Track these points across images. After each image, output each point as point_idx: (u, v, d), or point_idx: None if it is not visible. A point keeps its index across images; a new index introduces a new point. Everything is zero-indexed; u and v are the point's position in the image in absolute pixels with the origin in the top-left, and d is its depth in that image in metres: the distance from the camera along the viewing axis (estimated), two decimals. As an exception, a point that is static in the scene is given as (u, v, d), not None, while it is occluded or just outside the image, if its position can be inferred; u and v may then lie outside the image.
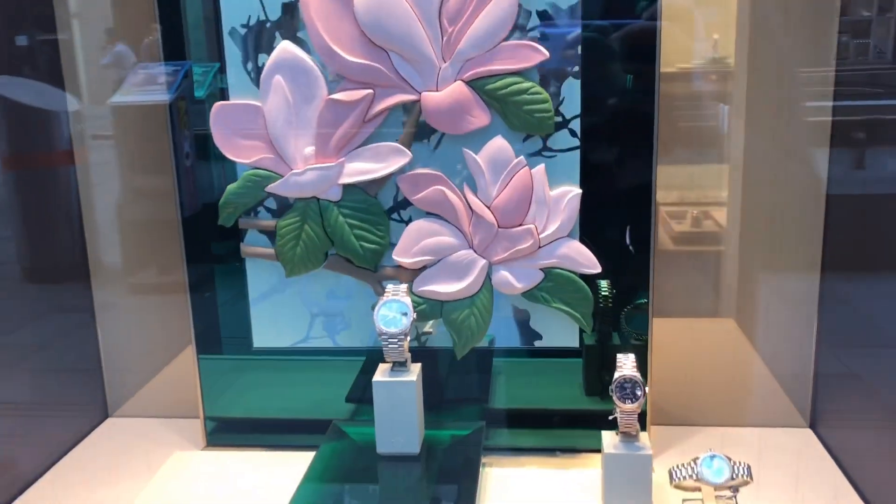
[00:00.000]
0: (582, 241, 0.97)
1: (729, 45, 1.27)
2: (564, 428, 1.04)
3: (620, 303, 1.00)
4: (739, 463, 0.77)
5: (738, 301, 1.37)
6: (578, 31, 0.92)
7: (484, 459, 1.00)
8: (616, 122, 0.96)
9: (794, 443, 1.06)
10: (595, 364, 1.02)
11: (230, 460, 1.03)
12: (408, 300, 0.92)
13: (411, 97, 0.93)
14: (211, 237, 1.02)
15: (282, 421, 1.06)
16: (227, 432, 1.07)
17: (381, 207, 0.98)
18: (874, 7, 1.04)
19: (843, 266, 1.06)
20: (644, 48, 0.92)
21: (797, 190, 1.12)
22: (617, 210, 0.98)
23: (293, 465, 0.96)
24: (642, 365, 0.99)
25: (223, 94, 0.98)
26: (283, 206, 0.99)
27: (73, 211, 1.16)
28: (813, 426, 1.10)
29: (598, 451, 0.90)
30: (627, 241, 0.97)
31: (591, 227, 0.97)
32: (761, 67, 1.20)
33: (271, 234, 1.00)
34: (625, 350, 0.97)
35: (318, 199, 0.98)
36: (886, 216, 1.00)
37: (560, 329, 1.00)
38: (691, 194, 1.41)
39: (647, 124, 0.93)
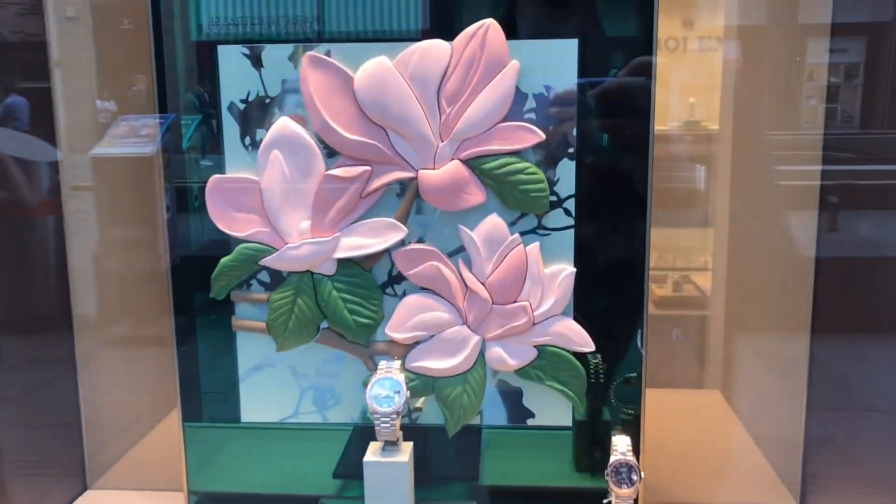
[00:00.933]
0: (575, 318, 0.97)
1: (713, 108, 1.30)
2: None
3: (610, 376, 0.99)
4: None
5: (723, 371, 1.38)
6: (574, 112, 0.94)
7: None
8: (610, 199, 0.97)
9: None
10: (586, 440, 1.01)
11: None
12: (401, 377, 0.91)
13: (408, 174, 0.94)
14: (198, 291, 1.01)
15: (268, 497, 1.04)
16: (210, 507, 1.05)
17: (375, 282, 0.97)
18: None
19: (834, 330, 1.06)
20: (636, 106, 0.92)
21: (783, 253, 1.13)
22: (609, 285, 0.98)
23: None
24: (634, 440, 0.98)
25: (206, 146, 0.97)
26: (277, 280, 0.99)
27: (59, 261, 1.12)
28: (803, 499, 1.09)
29: None
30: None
31: (584, 304, 0.97)
32: (745, 130, 1.23)
33: (263, 307, 0.99)
34: (618, 430, 0.97)
35: (312, 273, 0.97)
36: (875, 279, 1.01)
37: (553, 406, 1.00)
38: (673, 258, 1.42)
39: (640, 193, 0.94)
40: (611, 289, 0.98)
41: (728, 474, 1.16)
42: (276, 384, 1.01)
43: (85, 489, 1.15)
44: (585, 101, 0.93)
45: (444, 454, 1.03)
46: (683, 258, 1.41)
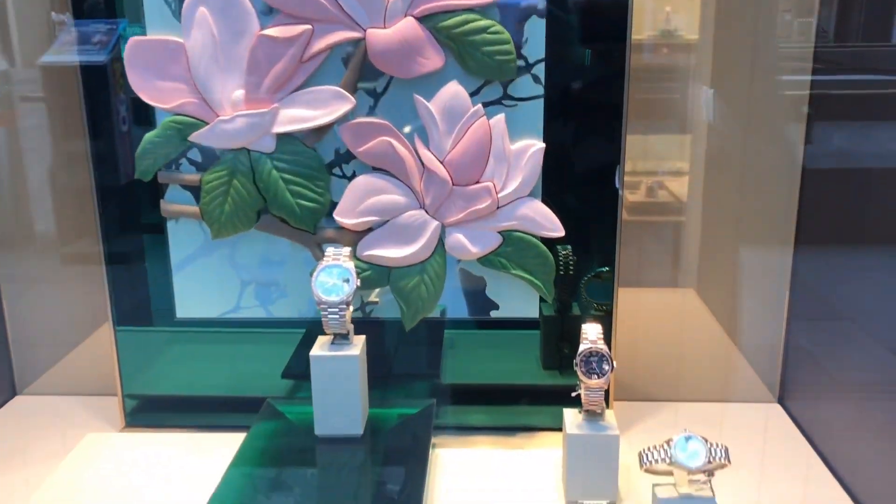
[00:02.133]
0: (543, 201, 0.88)
1: (693, 16, 1.21)
2: (521, 404, 0.96)
3: (581, 271, 0.91)
4: (716, 445, 0.70)
5: (699, 272, 1.32)
6: (544, -37, 0.82)
7: (434, 440, 0.92)
8: (585, 68, 0.86)
9: (762, 418, 1.00)
10: (553, 336, 0.94)
11: (151, 442, 0.92)
12: (350, 265, 0.82)
13: (355, 34, 0.83)
14: (133, 201, 0.90)
15: (210, 399, 0.96)
16: (148, 411, 0.97)
17: (321, 161, 0.87)
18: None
19: (818, 240, 1.00)
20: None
21: (769, 163, 1.06)
22: (583, 168, 0.89)
23: (221, 447, 0.86)
24: (605, 337, 0.91)
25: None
26: (210, 159, 0.88)
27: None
28: (781, 400, 1.04)
29: (558, 429, 0.82)
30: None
31: (553, 185, 0.88)
32: (729, 39, 1.14)
33: (196, 191, 0.89)
34: (589, 318, 0.89)
35: (249, 151, 0.86)
36: (863, 190, 0.94)
37: (518, 298, 0.92)
38: (650, 164, 1.35)
39: (619, 75, 0.84)
40: (584, 169, 0.89)
41: (707, 372, 1.10)
42: (213, 277, 0.92)
43: (14, 395, 1.06)
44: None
45: (403, 350, 0.95)
46: (659, 164, 1.34)
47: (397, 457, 0.83)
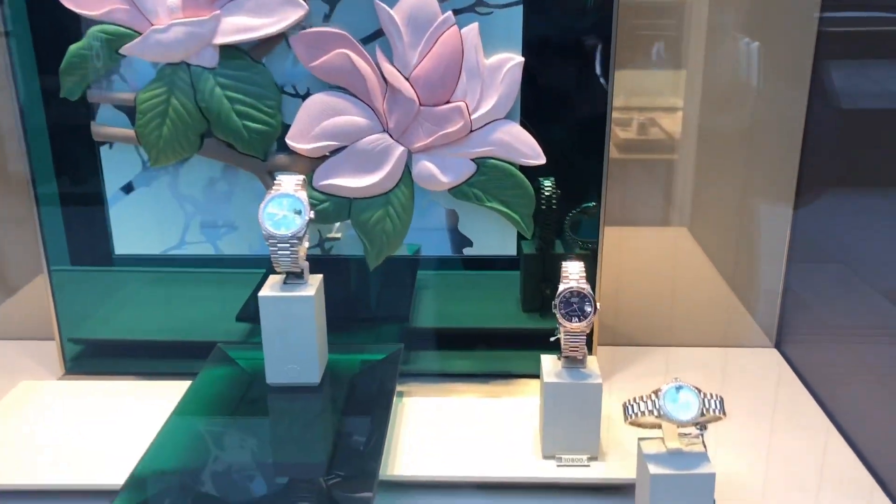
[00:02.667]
0: (522, 124, 0.78)
1: None
2: (498, 349, 0.89)
3: (565, 206, 0.83)
4: (710, 396, 0.62)
5: (693, 210, 1.24)
6: None
7: (402, 387, 0.85)
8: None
9: (759, 363, 0.93)
10: (534, 276, 0.86)
11: (89, 390, 0.84)
12: (303, 195, 0.72)
13: (305, -73, 0.72)
14: (61, 126, 0.80)
15: (158, 344, 0.88)
16: (91, 357, 0.89)
17: (271, 77, 0.77)
18: None
19: (822, 182, 0.92)
20: None
21: (771, 102, 0.97)
22: (567, 88, 0.79)
23: (166, 396, 0.78)
24: (590, 278, 0.83)
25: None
26: (144, 74, 0.77)
27: None
28: (779, 346, 0.97)
29: (537, 376, 0.75)
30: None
31: (534, 106, 0.78)
32: None
33: (131, 112, 0.79)
34: (571, 256, 0.81)
35: (189, 65, 0.76)
36: (870, 131, 0.86)
37: (494, 234, 0.83)
38: (642, 100, 1.26)
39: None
40: (568, 88, 0.79)
41: (700, 316, 1.03)
42: (153, 209, 0.83)
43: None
44: None
45: (368, 292, 0.87)
46: (651, 101, 1.25)
47: (358, 407, 0.75)
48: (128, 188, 0.82)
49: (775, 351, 0.96)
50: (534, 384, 0.84)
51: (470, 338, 0.89)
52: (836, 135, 0.91)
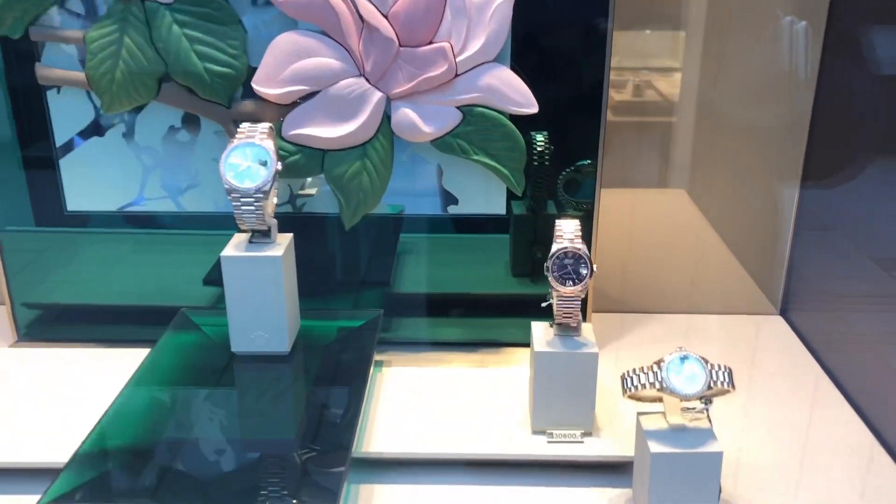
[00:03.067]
0: (513, 69, 0.71)
1: None
2: (485, 317, 0.83)
3: (558, 164, 0.77)
4: (718, 367, 0.56)
5: (692, 172, 1.18)
6: None
7: (382, 357, 0.79)
8: None
9: (764, 331, 0.87)
10: (525, 238, 0.80)
11: (42, 357, 0.78)
12: (269, 144, 0.65)
13: None
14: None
15: (119, 309, 0.81)
16: (46, 323, 0.82)
17: (234, 13, 0.70)
18: None
19: (832, 145, 0.86)
20: None
21: (779, 65, 0.90)
22: (563, 28, 0.72)
23: (126, 363, 0.72)
24: (585, 241, 0.77)
25: None
26: (93, 10, 0.70)
27: None
28: (784, 312, 0.91)
29: (527, 345, 0.69)
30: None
31: (525, 49, 0.71)
32: None
33: (81, 53, 0.71)
34: (565, 215, 0.74)
35: (142, 0, 0.68)
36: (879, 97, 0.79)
37: (482, 191, 0.77)
38: (638, 61, 1.20)
39: None
40: (565, 29, 0.72)
41: (701, 282, 0.96)
42: (108, 162, 0.76)
43: None
44: None
45: (345, 253, 0.80)
46: (646, 62, 1.19)
47: (332, 377, 0.69)
48: (80, 139, 0.74)
49: (781, 318, 0.90)
50: (523, 353, 0.79)
51: (456, 304, 0.83)
52: (848, 99, 0.85)
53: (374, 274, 0.82)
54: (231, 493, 0.56)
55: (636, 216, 1.08)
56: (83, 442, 0.60)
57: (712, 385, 0.56)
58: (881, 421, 0.70)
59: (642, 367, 0.57)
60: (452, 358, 0.80)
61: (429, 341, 0.82)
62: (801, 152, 0.88)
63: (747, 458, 0.65)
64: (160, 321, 0.76)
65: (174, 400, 0.66)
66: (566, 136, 0.76)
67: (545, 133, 0.75)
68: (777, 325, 0.89)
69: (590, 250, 0.78)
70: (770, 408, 0.72)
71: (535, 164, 0.76)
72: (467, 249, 0.83)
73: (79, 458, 0.58)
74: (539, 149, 0.76)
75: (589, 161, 0.78)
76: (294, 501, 0.55)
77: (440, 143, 0.73)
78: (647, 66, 1.19)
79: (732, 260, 1.00)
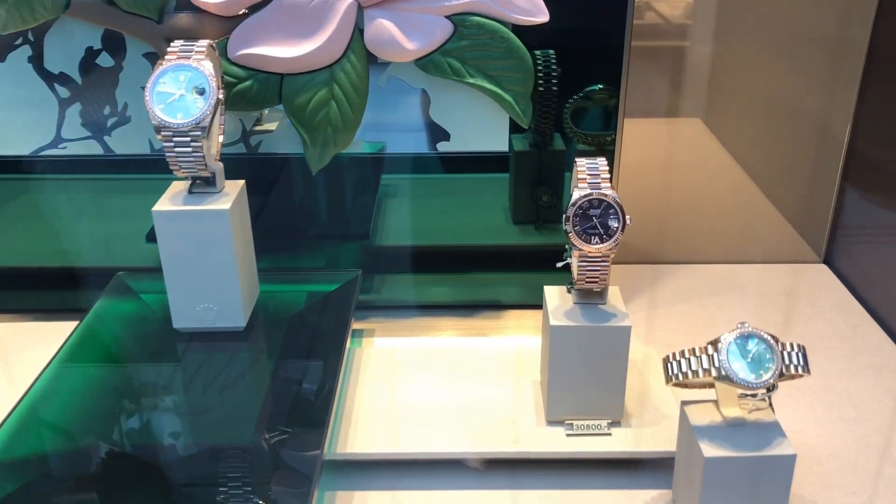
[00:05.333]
0: (517, -32, 0.57)
1: None
2: (482, 272, 0.71)
3: (566, 88, 0.64)
4: (791, 347, 0.44)
5: (708, 101, 1.06)
6: None
7: (360, 324, 0.68)
8: None
9: (808, 281, 0.75)
10: (527, 178, 0.68)
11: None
12: (207, 66, 0.52)
13: None
14: None
15: (44, 271, 0.70)
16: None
17: None
18: None
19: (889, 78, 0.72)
20: None
21: None
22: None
23: (51, 338, 0.60)
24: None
25: None
26: None
27: None
28: (829, 261, 0.79)
29: (533, 306, 0.61)
30: None
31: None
32: None
33: (-36, -47, 0.56)
34: (584, 152, 0.62)
35: None
36: None
37: (478, 123, 0.65)
38: None
39: None
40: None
41: (731, 225, 0.85)
42: (14, 94, 0.61)
43: None
44: None
45: (314, 201, 0.67)
46: None
47: (298, 358, 0.57)
48: (-28, 64, 0.60)
49: (825, 267, 0.78)
50: (529, 317, 0.67)
51: (447, 258, 0.71)
52: None
53: (350, 225, 0.69)
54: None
55: (651, 151, 0.95)
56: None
57: (784, 371, 0.43)
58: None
59: (693, 350, 0.45)
60: (444, 324, 0.69)
61: (416, 304, 0.71)
62: (857, 73, 0.74)
63: (808, 444, 0.54)
64: (93, 285, 0.65)
65: (106, 388, 0.54)
66: (576, 55, 0.63)
67: (551, 51, 0.61)
68: (821, 275, 0.77)
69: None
70: (826, 377, 0.60)
71: (541, 88, 0.63)
72: (459, 192, 0.71)
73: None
74: (543, 69, 0.63)
75: (601, 86, 0.65)
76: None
77: (427, 63, 0.60)
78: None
79: (764, 202, 0.88)
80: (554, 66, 0.64)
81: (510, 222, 0.70)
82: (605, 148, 0.68)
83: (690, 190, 0.90)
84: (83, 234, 0.68)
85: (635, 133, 0.90)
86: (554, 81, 0.65)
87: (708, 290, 0.73)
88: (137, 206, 0.69)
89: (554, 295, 0.54)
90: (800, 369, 0.44)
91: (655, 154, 0.96)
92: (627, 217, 0.49)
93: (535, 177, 0.69)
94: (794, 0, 0.84)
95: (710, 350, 0.44)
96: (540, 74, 0.63)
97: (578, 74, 0.65)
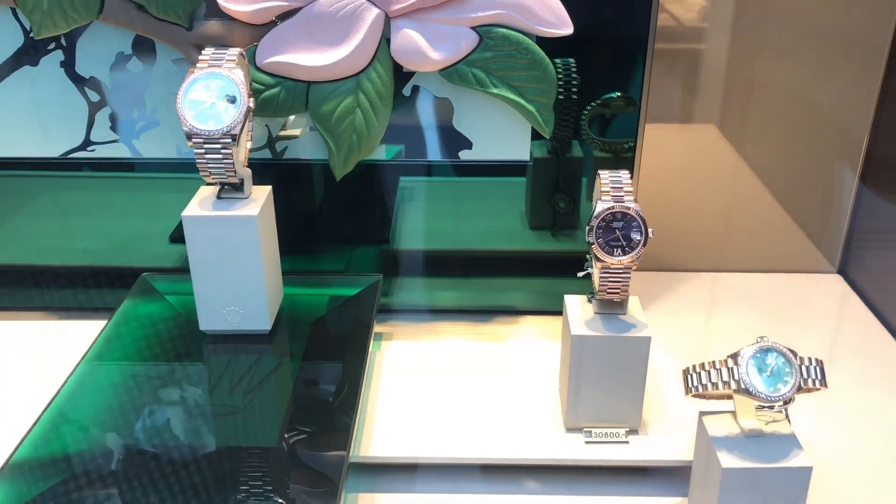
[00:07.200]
0: (542, -19, 0.58)
1: None
2: (499, 277, 0.72)
3: (586, 95, 0.65)
4: (808, 361, 0.45)
5: (723, 107, 1.05)
6: None
7: (383, 328, 0.69)
8: None
9: (822, 291, 0.76)
10: (545, 185, 0.69)
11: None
12: (238, 75, 0.53)
13: None
14: None
15: (71, 270, 0.71)
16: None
17: None
18: None
19: None
20: None
21: None
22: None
23: (78, 339, 0.62)
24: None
25: None
26: None
27: None
28: (843, 272, 0.79)
29: (551, 312, 0.62)
30: None
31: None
32: None
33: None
34: (604, 164, 0.62)
35: None
36: None
37: (500, 132, 0.65)
38: None
39: None
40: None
41: (747, 234, 0.85)
42: (45, 97, 0.62)
43: None
44: None
45: (336, 206, 0.68)
46: None
47: (322, 361, 0.57)
48: (8, 67, 0.61)
49: (840, 277, 0.79)
50: (548, 324, 0.68)
51: (464, 263, 0.72)
52: None
53: (371, 230, 0.70)
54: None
55: (667, 158, 0.95)
56: (20, 443, 0.49)
57: (802, 385, 0.44)
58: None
59: (713, 363, 0.46)
60: (461, 329, 0.70)
61: (432, 308, 0.72)
62: (878, 76, 0.74)
63: (823, 457, 0.54)
64: (122, 283, 0.66)
65: (134, 387, 0.55)
66: (596, 63, 0.64)
67: (571, 60, 0.63)
68: (836, 286, 0.78)
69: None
70: (841, 389, 0.61)
71: (560, 97, 0.64)
72: (476, 197, 0.71)
73: (12, 468, 0.47)
74: (564, 78, 0.64)
75: (619, 93, 0.65)
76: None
77: (451, 73, 0.60)
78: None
79: (780, 211, 0.88)
80: (574, 75, 0.65)
81: (527, 227, 0.71)
82: (622, 155, 0.69)
83: (703, 197, 0.91)
84: (113, 233, 0.69)
85: (649, 138, 0.92)
86: (574, 90, 0.65)
87: (723, 299, 0.74)
88: (161, 206, 0.71)
89: (575, 304, 0.55)
90: (817, 383, 0.45)
91: (668, 160, 0.96)
92: (650, 230, 0.50)
93: (553, 183, 0.70)
94: (811, 1, 0.84)
95: (730, 363, 0.45)
96: (560, 83, 0.64)
97: (597, 82, 0.66)
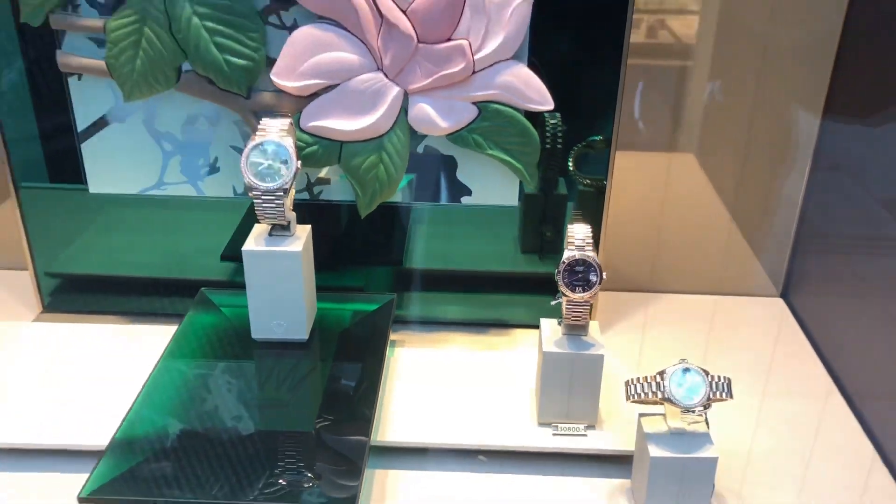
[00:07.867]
0: (530, 65, 0.72)
1: None
2: (495, 293, 0.85)
3: (570, 141, 0.78)
4: (718, 378, 0.59)
5: (701, 137, 1.16)
6: None
7: (396, 336, 0.82)
8: None
9: (763, 314, 0.90)
10: (535, 217, 0.82)
11: (67, 334, 0.80)
12: (289, 142, 0.66)
13: None
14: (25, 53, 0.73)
15: (141, 280, 0.84)
16: (69, 292, 0.84)
17: (253, 5, 0.69)
18: None
19: (852, 112, 0.84)
20: None
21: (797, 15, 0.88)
22: (580, 25, 0.72)
23: (148, 341, 0.77)
24: (596, 220, 0.79)
25: None
26: (115, 1, 0.69)
27: None
28: (785, 295, 0.93)
29: (535, 326, 0.72)
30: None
31: (543, 44, 0.71)
32: None
33: (101, 41, 0.71)
34: (577, 215, 0.76)
35: (162, -10, 0.68)
36: None
37: (495, 182, 0.78)
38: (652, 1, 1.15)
39: None
40: (580, 23, 0.72)
41: (703, 259, 0.98)
42: (129, 146, 0.76)
43: None
44: None
45: (358, 235, 0.82)
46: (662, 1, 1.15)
47: (348, 364, 0.72)
48: (100, 123, 0.75)
49: (781, 301, 0.92)
50: (534, 337, 0.81)
51: (463, 281, 0.85)
52: (875, 51, 0.82)
53: (387, 254, 0.84)
54: (258, 477, 0.59)
55: (642, 185, 1.07)
56: (121, 426, 0.63)
57: (711, 396, 0.59)
58: (877, 422, 0.72)
59: (646, 378, 0.60)
60: (464, 338, 0.82)
61: (435, 320, 0.84)
62: (819, 106, 0.86)
63: (737, 451, 0.69)
64: (183, 293, 0.80)
65: (200, 384, 0.69)
66: (579, 113, 0.76)
67: (558, 115, 0.76)
68: (776, 308, 0.91)
69: (600, 231, 0.80)
70: (762, 398, 0.76)
71: (548, 146, 0.77)
72: (476, 224, 0.83)
73: (116, 444, 0.62)
74: (552, 131, 0.77)
75: (600, 137, 0.79)
76: (316, 484, 0.58)
77: (456, 138, 0.74)
78: (663, 7, 1.15)
79: (737, 234, 1.00)
80: (560, 126, 0.79)
81: (519, 252, 0.83)
82: (603, 190, 0.82)
83: (671, 221, 1.03)
84: (174, 250, 0.82)
85: (629, 166, 1.03)
86: (560, 140, 0.79)
87: (674, 318, 0.87)
88: (216, 229, 0.83)
89: (547, 326, 0.69)
90: (725, 395, 0.59)
91: (646, 189, 1.08)
92: (604, 274, 0.65)
93: (541, 215, 0.82)
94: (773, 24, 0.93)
95: (658, 378, 0.60)
96: (548, 135, 0.78)
97: (581, 125, 0.78)
